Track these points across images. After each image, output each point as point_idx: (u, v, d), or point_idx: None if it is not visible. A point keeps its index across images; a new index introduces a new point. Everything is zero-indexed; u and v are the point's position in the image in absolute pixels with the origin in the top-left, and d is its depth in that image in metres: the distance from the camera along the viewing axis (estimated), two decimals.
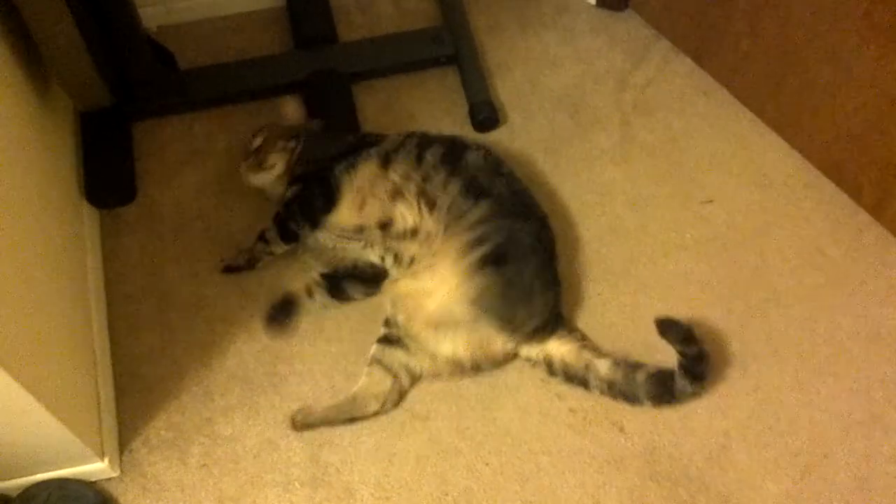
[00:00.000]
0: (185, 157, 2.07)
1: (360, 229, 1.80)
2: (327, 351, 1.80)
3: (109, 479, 1.65)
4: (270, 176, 1.90)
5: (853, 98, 1.87)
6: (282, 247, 1.85)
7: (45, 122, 1.85)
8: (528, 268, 1.72)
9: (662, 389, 1.68)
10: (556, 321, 1.75)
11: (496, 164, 1.86)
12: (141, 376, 1.76)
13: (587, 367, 1.72)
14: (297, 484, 1.66)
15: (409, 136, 1.87)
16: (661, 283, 1.90)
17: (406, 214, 1.76)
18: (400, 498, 1.65)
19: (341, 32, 2.32)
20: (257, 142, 1.92)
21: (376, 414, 1.72)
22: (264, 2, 2.38)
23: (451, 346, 1.70)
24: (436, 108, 2.19)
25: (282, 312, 1.81)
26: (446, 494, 1.65)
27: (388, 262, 1.81)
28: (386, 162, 1.81)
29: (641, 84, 2.23)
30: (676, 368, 1.65)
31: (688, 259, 1.93)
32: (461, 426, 1.72)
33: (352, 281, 1.84)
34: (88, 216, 1.92)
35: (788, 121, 2.08)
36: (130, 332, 1.81)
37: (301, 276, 1.86)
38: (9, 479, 1.59)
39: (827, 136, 1.99)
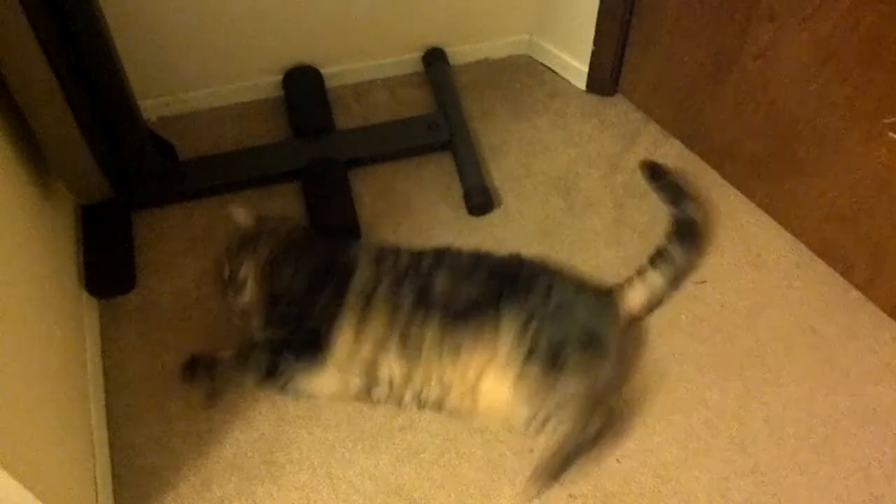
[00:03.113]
0: (184, 247, 2.10)
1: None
2: (324, 438, 1.80)
3: None
4: (250, 292, 1.87)
5: (840, 180, 1.91)
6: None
7: (45, 214, 1.87)
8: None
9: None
10: None
11: (472, 269, 1.88)
12: (139, 467, 1.76)
13: None
14: None
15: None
16: (656, 364, 1.90)
17: (390, 369, 1.77)
18: None
19: (338, 120, 2.37)
20: (226, 270, 1.89)
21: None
22: (262, 92, 2.43)
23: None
24: (431, 192, 2.23)
25: (200, 374, 1.82)
26: None
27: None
28: (363, 318, 1.77)
29: (633, 166, 2.27)
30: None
31: (682, 339, 1.94)
32: None
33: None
34: (88, 305, 1.94)
35: (778, 202, 2.11)
36: (128, 421, 1.81)
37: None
38: None
39: (817, 216, 2.02)
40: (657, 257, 1.98)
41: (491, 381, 1.74)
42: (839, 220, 1.97)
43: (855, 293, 2.01)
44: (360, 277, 1.82)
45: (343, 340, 1.75)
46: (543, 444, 1.73)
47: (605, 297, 1.93)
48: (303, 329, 1.77)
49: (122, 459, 1.76)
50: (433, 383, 1.75)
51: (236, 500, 1.72)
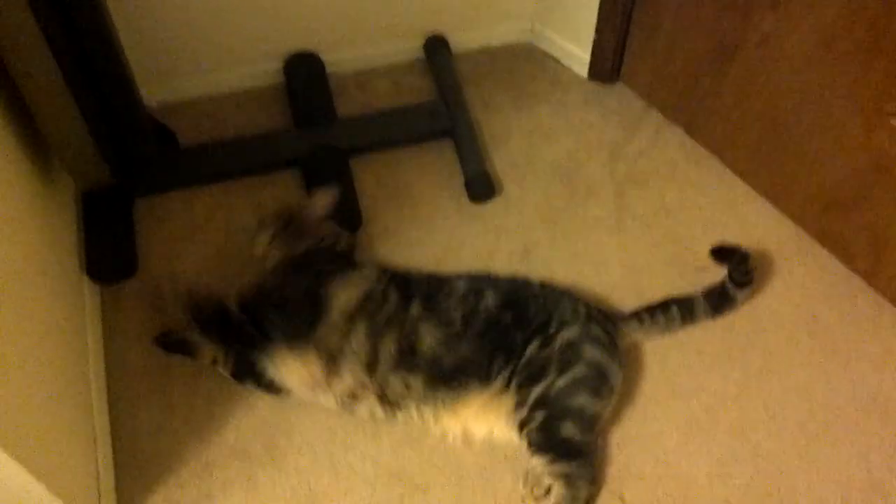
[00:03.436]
0: (185, 233, 2.10)
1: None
2: (325, 423, 1.80)
3: None
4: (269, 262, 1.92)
5: (842, 167, 1.91)
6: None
7: (47, 200, 1.88)
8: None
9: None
10: None
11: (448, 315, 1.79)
12: (140, 452, 1.76)
13: None
14: None
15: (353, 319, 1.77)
16: (657, 350, 1.91)
17: (370, 409, 1.76)
18: None
19: (340, 108, 2.37)
20: (264, 234, 1.94)
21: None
22: (263, 79, 2.43)
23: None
24: (433, 180, 2.23)
25: (172, 346, 1.85)
26: None
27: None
28: (333, 363, 1.73)
29: (634, 154, 2.27)
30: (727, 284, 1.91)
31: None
32: (461, 498, 1.71)
33: (253, 382, 1.82)
34: (89, 291, 1.94)
35: (779, 189, 2.11)
36: (130, 407, 1.82)
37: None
38: None
39: (818, 203, 2.02)
40: (683, 305, 1.90)
41: (487, 427, 1.75)
42: (840, 208, 1.97)
43: (856, 280, 2.02)
44: (335, 309, 1.77)
45: (296, 374, 1.75)
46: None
47: (612, 325, 1.86)
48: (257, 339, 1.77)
49: (124, 444, 1.76)
50: (418, 422, 1.76)
51: (238, 484, 1.72)
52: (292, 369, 1.75)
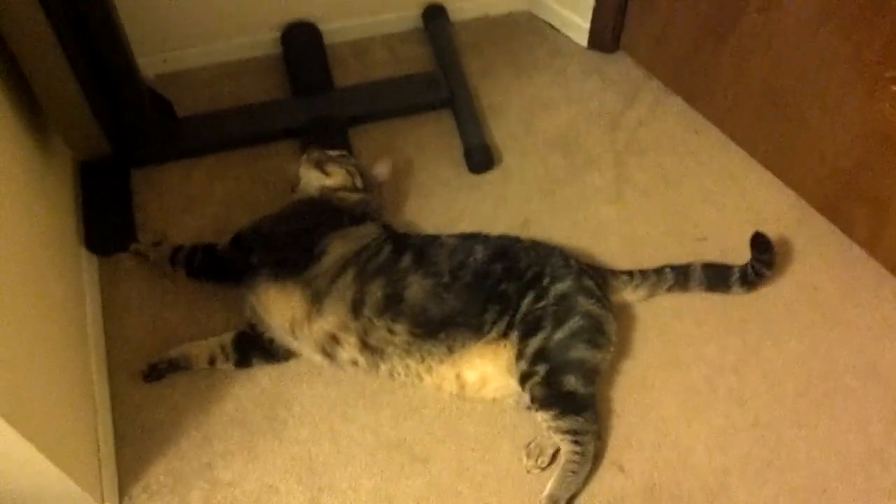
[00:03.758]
0: (183, 204, 2.09)
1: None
2: (325, 394, 1.80)
3: None
4: (317, 181, 1.95)
5: (842, 136, 1.90)
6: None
7: (45, 171, 1.87)
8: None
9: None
10: None
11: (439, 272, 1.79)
12: (140, 423, 1.76)
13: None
14: None
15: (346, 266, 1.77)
16: (656, 320, 1.91)
17: (350, 356, 1.76)
18: None
19: (337, 78, 2.35)
20: (335, 153, 1.99)
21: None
22: (261, 49, 2.41)
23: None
24: (431, 150, 2.22)
25: (163, 371, 1.81)
26: None
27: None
28: (317, 300, 1.74)
29: (634, 124, 2.26)
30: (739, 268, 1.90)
31: (682, 296, 1.94)
32: (461, 467, 1.72)
33: (261, 356, 1.83)
34: (87, 263, 1.94)
35: (780, 158, 2.10)
36: (129, 378, 1.81)
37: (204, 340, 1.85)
38: None
39: (818, 173, 2.01)
40: (678, 270, 1.91)
41: (480, 374, 1.75)
42: (841, 176, 1.96)
43: (856, 250, 2.01)
44: (330, 257, 1.78)
45: (279, 309, 1.76)
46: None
47: (602, 280, 1.86)
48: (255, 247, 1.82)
49: (124, 415, 1.77)
50: (403, 371, 1.76)
51: (238, 454, 1.73)
52: (276, 303, 1.76)
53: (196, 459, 1.72)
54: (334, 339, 1.73)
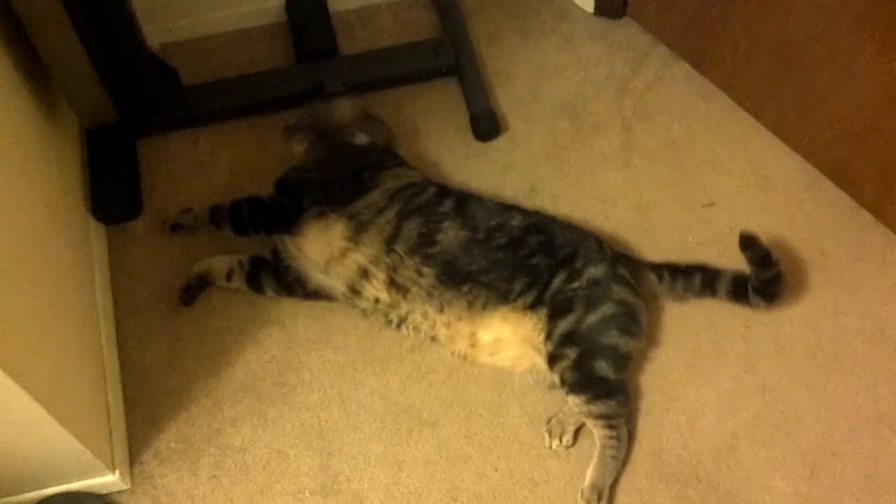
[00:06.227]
0: (190, 172, 2.09)
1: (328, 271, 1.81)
2: (335, 360, 1.81)
3: (120, 491, 1.67)
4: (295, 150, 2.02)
5: (852, 98, 1.88)
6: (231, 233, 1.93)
7: (52, 139, 1.87)
8: None
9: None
10: None
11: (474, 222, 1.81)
12: (150, 388, 1.77)
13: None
14: (307, 493, 1.67)
15: (393, 198, 1.82)
16: None
17: (376, 292, 1.77)
18: None
19: (342, 45, 2.34)
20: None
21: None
22: (265, 17, 2.40)
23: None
24: (437, 118, 2.21)
25: (194, 290, 1.87)
26: (455, 500, 1.66)
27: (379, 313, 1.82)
28: (356, 233, 1.77)
29: (641, 90, 2.25)
30: (749, 286, 1.80)
31: (690, 261, 1.93)
32: (469, 432, 1.73)
33: (270, 275, 1.86)
34: (95, 231, 1.94)
35: (788, 122, 2.09)
36: (139, 344, 1.83)
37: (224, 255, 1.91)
38: (21, 493, 1.60)
39: (827, 136, 2.00)
40: (707, 277, 1.84)
41: (495, 338, 1.75)
42: (849, 140, 1.95)
43: (864, 214, 2.00)
44: (379, 190, 1.83)
45: (316, 244, 1.79)
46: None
47: (636, 270, 1.84)
48: (292, 193, 1.87)
49: (134, 380, 1.78)
50: (420, 320, 1.76)
51: (248, 420, 1.74)
52: (315, 242, 1.79)
53: (206, 425, 1.74)
54: (364, 274, 1.75)
